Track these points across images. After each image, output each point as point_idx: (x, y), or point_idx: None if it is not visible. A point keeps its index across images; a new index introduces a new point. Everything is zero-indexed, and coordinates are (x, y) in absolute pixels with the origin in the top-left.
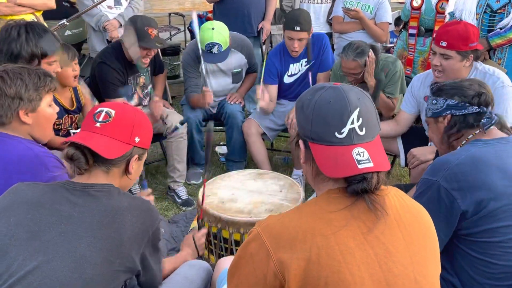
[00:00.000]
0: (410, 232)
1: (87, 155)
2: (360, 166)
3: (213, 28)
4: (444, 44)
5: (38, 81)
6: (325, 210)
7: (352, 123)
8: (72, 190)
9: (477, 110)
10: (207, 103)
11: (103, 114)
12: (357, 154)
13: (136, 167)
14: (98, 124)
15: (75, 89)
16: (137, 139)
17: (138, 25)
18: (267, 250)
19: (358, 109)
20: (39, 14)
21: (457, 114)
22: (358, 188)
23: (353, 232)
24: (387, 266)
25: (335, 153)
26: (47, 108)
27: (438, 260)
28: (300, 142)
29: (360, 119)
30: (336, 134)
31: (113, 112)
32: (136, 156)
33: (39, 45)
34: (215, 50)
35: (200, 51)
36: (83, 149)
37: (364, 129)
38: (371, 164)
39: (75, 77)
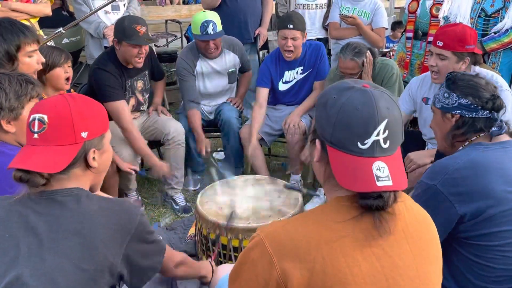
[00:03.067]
0: (416, 241)
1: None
2: (379, 184)
3: (204, 11)
4: (440, 44)
5: (20, 89)
6: (331, 219)
7: (378, 135)
8: (37, 199)
9: (488, 115)
10: (200, 151)
11: (36, 122)
12: (377, 169)
13: (99, 158)
14: (36, 136)
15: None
16: (84, 134)
17: (126, 23)
18: (270, 258)
19: (386, 120)
20: (34, 21)
21: (467, 116)
22: (373, 204)
23: (360, 244)
24: (394, 280)
25: (355, 163)
26: None
27: (441, 268)
28: (317, 141)
29: (387, 131)
30: (359, 144)
31: (45, 117)
32: (93, 149)
33: (8, 39)
34: (210, 29)
35: (195, 36)
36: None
37: (388, 142)
38: (390, 183)
39: (67, 79)
